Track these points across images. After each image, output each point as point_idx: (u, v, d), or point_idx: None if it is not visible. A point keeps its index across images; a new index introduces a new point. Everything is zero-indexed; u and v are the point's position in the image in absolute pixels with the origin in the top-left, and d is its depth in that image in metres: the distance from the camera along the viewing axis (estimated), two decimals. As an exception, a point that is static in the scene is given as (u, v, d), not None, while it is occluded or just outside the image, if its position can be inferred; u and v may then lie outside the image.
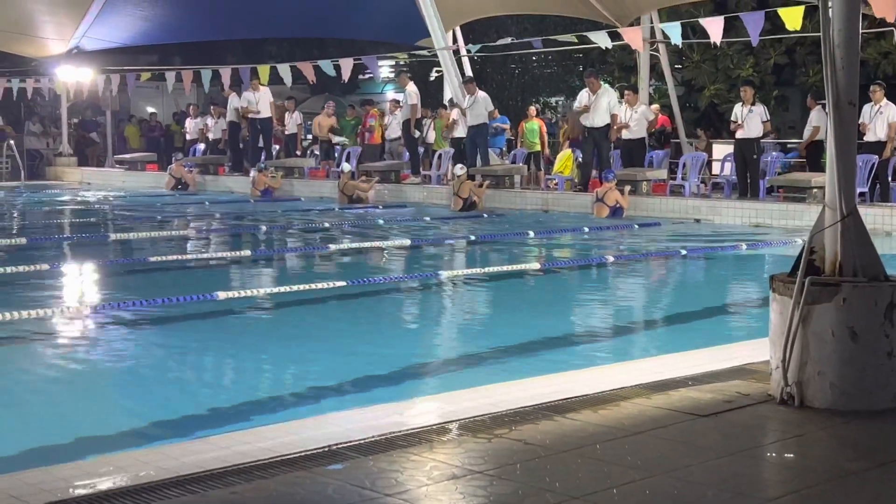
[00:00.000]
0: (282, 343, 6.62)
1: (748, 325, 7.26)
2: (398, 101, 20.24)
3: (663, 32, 18.13)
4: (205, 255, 10.48)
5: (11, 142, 25.13)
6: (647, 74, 19.30)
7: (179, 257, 10.01)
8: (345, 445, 3.58)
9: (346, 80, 22.45)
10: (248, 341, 6.67)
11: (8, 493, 3.07)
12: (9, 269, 8.99)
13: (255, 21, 23.14)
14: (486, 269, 9.80)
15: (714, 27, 16.10)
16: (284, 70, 20.26)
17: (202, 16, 22.59)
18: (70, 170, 25.37)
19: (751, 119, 14.82)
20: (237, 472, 3.29)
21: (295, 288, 8.16)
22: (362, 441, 3.64)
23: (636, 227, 13.65)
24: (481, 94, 17.61)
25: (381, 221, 14.63)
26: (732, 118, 15.16)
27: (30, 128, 27.35)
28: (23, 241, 11.57)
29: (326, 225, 14.04)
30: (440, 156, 19.35)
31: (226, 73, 21.05)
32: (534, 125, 19.61)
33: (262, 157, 21.27)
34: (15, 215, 16.45)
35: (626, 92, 17.17)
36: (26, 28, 22.82)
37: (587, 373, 5.21)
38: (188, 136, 24.20)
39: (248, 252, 10.73)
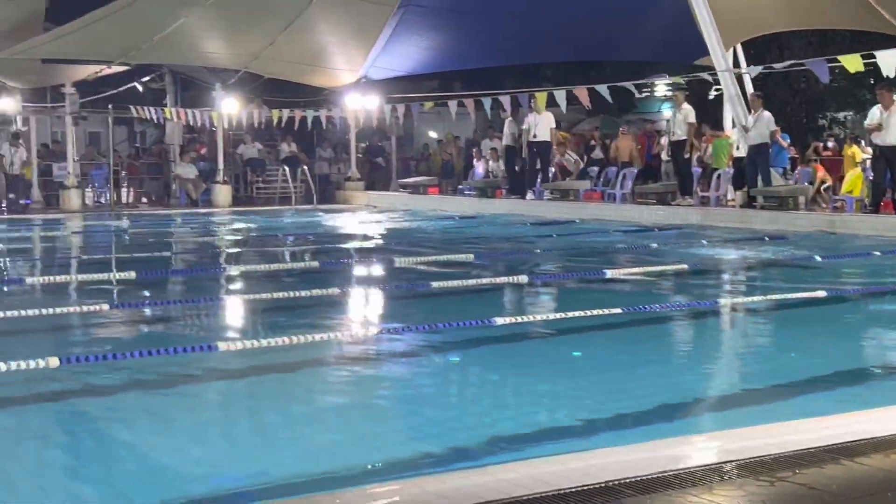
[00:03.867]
0: (554, 371, 6.65)
1: None
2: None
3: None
4: (483, 280, 10.72)
5: (305, 167, 26.72)
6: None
7: (460, 283, 10.29)
8: (621, 482, 3.57)
9: (621, 100, 22.39)
10: (523, 368, 6.76)
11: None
12: (302, 293, 9.56)
13: (533, 46, 23.49)
14: (769, 297, 9.46)
15: None
16: (560, 94, 20.46)
17: (482, 43, 23.18)
18: (358, 193, 26.63)
19: None
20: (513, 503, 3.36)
21: (570, 314, 8.19)
22: (638, 478, 3.61)
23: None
24: (765, 113, 17.09)
25: (654, 245, 14.45)
26: None
27: (321, 154, 28.98)
28: (315, 264, 12.26)
29: (598, 248, 14.03)
30: (719, 176, 18.90)
31: (506, 98, 21.51)
32: (723, 142, 19.05)
33: (539, 181, 21.55)
34: (310, 238, 17.42)
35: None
36: (320, 61, 24.26)
37: (880, 412, 4.93)
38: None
39: (524, 277, 10.88)
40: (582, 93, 19.82)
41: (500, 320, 7.82)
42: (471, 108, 23.12)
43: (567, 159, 22.50)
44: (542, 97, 20.84)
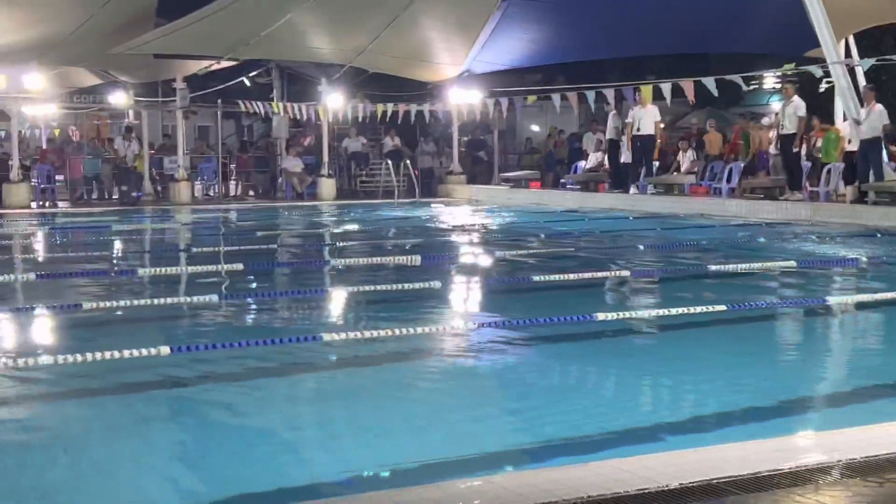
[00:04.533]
0: (657, 368, 6.60)
1: None
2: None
3: None
4: (584, 274, 10.68)
5: (408, 161, 26.93)
6: None
7: (562, 277, 10.27)
8: (725, 480, 3.54)
9: (728, 93, 22.03)
10: (623, 365, 6.74)
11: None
12: (405, 286, 9.66)
13: (637, 39, 23.25)
14: (879, 295, 9.22)
15: None
16: (666, 87, 20.23)
17: (586, 36, 23.03)
18: (460, 187, 26.73)
19: None
20: (617, 500, 3.36)
21: (673, 311, 8.11)
22: (742, 477, 3.58)
23: None
24: (878, 106, 16.64)
25: (761, 240, 14.19)
26: None
27: (424, 148, 29.16)
28: (417, 258, 12.35)
29: (704, 243, 13.84)
30: (829, 171, 18.47)
31: (609, 91, 21.36)
32: (833, 136, 18.51)
33: (643, 175, 21.35)
34: (412, 231, 17.57)
35: None
36: (424, 55, 24.41)
37: None
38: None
39: (626, 272, 10.81)
40: (688, 85, 19.54)
41: (601, 315, 7.79)
42: (574, 101, 23.02)
43: (688, 157, 22.06)
44: (647, 90, 20.63)
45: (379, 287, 9.57)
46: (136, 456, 4.83)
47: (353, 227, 18.87)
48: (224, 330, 8.02)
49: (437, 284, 10.09)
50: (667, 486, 3.50)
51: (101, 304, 8.43)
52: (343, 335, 7.26)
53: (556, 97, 23.17)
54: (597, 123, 25.22)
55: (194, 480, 4.50)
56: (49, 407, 5.76)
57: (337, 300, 9.66)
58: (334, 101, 25.57)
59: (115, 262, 13.49)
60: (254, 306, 9.22)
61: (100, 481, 4.44)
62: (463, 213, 21.80)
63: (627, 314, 8.23)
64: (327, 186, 25.97)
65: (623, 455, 4.26)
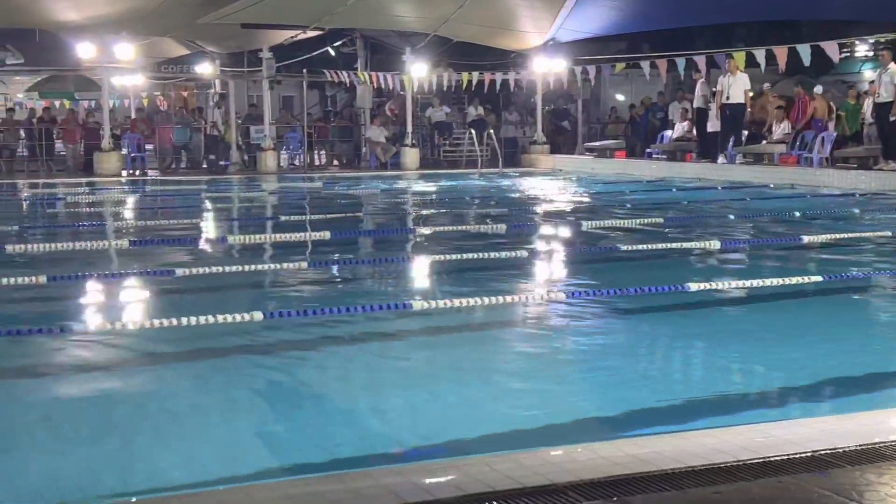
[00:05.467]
0: (751, 339, 6.49)
1: None
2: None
3: None
4: (672, 244, 10.55)
5: (491, 131, 26.84)
6: None
7: (649, 247, 10.16)
8: (828, 452, 3.47)
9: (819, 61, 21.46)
10: (716, 336, 6.64)
11: (508, 475, 3.32)
12: (491, 255, 9.65)
13: (725, 5, 22.77)
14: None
15: None
16: (759, 54, 19.81)
17: (673, 2, 22.64)
18: (543, 157, 26.57)
19: None
20: (718, 471, 3.31)
21: (767, 282, 7.96)
22: (847, 449, 3.50)
23: None
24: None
25: (854, 211, 13.86)
26: None
27: (507, 117, 29.03)
28: (502, 227, 12.32)
29: (796, 214, 13.57)
30: (926, 140, 17.94)
31: (700, 58, 20.99)
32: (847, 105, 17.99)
33: (731, 144, 20.99)
34: (496, 201, 17.52)
35: None
36: (509, 23, 24.25)
37: None
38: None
39: (716, 242, 10.64)
40: (781, 53, 19.09)
41: (692, 286, 7.69)
42: (663, 69, 22.67)
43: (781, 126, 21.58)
44: (739, 57, 20.23)
45: (464, 256, 9.57)
46: (227, 419, 4.90)
47: (438, 196, 18.89)
48: (314, 296, 8.10)
49: (522, 253, 10.06)
50: (767, 457, 3.44)
51: (193, 271, 8.57)
52: (429, 303, 7.27)
53: (645, 65, 22.83)
54: (683, 92, 24.83)
55: (281, 444, 4.54)
56: (143, 370, 5.87)
57: (423, 269, 9.69)
58: (418, 71, 25.57)
59: (204, 229, 13.70)
60: (342, 274, 9.30)
61: (190, 443, 4.52)
62: (546, 182, 21.68)
63: (718, 284, 8.11)
64: (411, 156, 26.02)
65: (713, 426, 4.20)
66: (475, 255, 9.62)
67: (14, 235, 11.90)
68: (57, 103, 29.01)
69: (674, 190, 18.43)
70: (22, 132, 26.55)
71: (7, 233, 12.09)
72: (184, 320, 6.41)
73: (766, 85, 22.96)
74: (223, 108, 26.32)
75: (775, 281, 7.93)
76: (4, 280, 7.91)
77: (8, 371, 5.72)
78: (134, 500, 3.76)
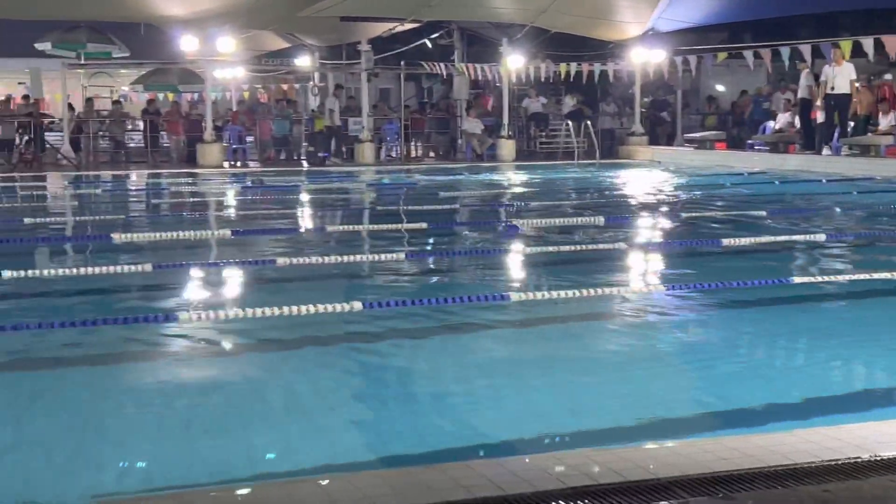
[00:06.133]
0: (859, 333, 6.33)
1: None
2: None
3: None
4: (776, 238, 10.34)
5: (588, 122, 26.62)
6: None
7: (752, 240, 9.98)
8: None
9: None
10: (822, 330, 6.49)
11: (610, 468, 3.29)
12: (588, 246, 9.57)
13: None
14: None
15: None
16: (867, 43, 19.26)
17: (777, -9, 22.18)
18: (641, 148, 26.26)
19: None
20: (827, 470, 3.23)
21: (875, 276, 7.76)
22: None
23: None
24: None
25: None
26: None
27: (604, 108, 28.76)
28: (600, 219, 12.22)
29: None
30: None
31: (805, 48, 20.49)
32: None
33: (836, 135, 20.48)
34: (593, 193, 17.39)
35: None
36: (607, 13, 24.01)
37: None
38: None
39: (821, 235, 10.39)
40: (891, 42, 18.54)
41: (796, 279, 7.53)
42: (767, 59, 22.20)
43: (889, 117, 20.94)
44: (845, 46, 19.69)
45: (562, 248, 9.52)
46: (326, 407, 4.96)
47: (535, 187, 18.82)
48: (412, 287, 8.15)
49: (621, 245, 9.97)
50: (879, 455, 3.35)
51: (294, 261, 8.68)
52: (527, 295, 7.25)
53: (748, 54, 22.38)
54: (787, 83, 24.28)
55: (378, 432, 4.58)
56: (245, 358, 5.98)
57: (521, 260, 9.66)
58: (515, 62, 25.48)
59: (304, 219, 13.87)
60: (439, 264, 9.33)
61: (288, 430, 4.58)
62: (644, 174, 21.43)
63: (824, 278, 7.92)
64: (507, 148, 25.96)
65: (822, 424, 4.10)
66: (573, 247, 9.56)
67: (120, 225, 12.21)
68: (161, 96, 29.63)
69: (776, 182, 18.06)
70: (129, 124, 27.26)
71: (114, 222, 12.43)
72: (285, 309, 6.51)
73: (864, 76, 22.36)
74: (339, 98, 26.50)
75: (884, 275, 7.72)
76: (113, 268, 8.14)
77: (114, 358, 5.87)
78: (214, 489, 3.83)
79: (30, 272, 8.02)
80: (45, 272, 8.31)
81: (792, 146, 22.00)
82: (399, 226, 11.67)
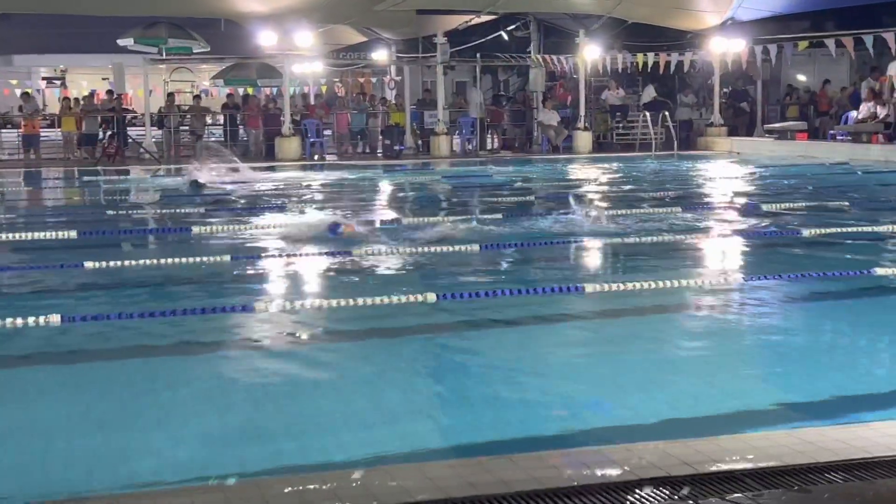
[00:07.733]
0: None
1: None
2: None
3: None
4: (858, 229, 10.13)
5: (667, 113, 26.32)
6: None
7: (831, 230, 9.79)
8: None
9: None
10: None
11: (683, 460, 3.26)
12: (665, 238, 9.46)
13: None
14: None
15: None
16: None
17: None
18: (720, 140, 25.90)
19: None
20: (906, 463, 3.17)
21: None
22: None
23: None
24: None
25: None
26: None
27: (682, 99, 28.39)
28: (678, 209, 12.07)
29: None
30: None
31: (889, 35, 20.01)
32: None
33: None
34: (672, 184, 17.19)
35: None
36: (686, 3, 23.73)
37: None
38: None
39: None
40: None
41: (880, 271, 7.37)
42: (849, 47, 21.71)
43: None
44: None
45: (641, 239, 9.44)
46: (399, 396, 4.99)
47: (612, 179, 18.67)
48: (482, 279, 8.14)
49: (699, 236, 9.86)
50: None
51: (369, 251, 8.74)
52: (604, 286, 7.20)
53: (830, 43, 21.92)
54: (871, 72, 23.72)
55: (452, 421, 4.59)
56: (320, 348, 6.04)
57: (597, 251, 9.61)
58: (592, 53, 25.30)
59: (380, 211, 13.94)
60: (513, 256, 9.31)
61: (364, 417, 4.62)
62: (723, 165, 21.13)
63: (908, 271, 7.73)
64: (583, 139, 25.80)
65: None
66: (651, 239, 9.48)
67: (199, 217, 12.41)
68: (241, 90, 30.00)
69: (859, 173, 17.67)
70: (209, 118, 27.68)
71: (193, 215, 12.63)
72: (359, 300, 6.56)
73: None
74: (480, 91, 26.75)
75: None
76: (192, 259, 8.28)
77: (194, 346, 5.98)
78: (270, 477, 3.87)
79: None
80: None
81: (875, 136, 21.50)
82: (473, 217, 11.64)
